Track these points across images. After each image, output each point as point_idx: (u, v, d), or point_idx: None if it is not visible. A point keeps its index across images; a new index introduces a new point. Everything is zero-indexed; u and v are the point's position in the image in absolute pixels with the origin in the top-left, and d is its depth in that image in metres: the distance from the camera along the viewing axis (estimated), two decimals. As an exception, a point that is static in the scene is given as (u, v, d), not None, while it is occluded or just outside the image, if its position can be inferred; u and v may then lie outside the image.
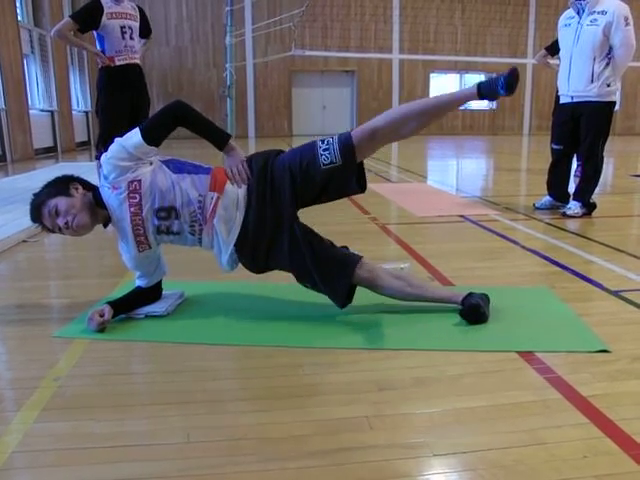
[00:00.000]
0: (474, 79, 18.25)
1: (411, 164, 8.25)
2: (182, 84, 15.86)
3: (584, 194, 4.02)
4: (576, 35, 3.83)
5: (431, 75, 17.43)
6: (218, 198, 1.98)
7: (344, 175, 1.99)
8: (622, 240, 3.31)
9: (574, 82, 3.87)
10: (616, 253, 2.98)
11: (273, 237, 2.01)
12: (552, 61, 5.92)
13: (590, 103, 3.84)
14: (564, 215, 3.98)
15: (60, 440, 1.32)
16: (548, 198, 4.27)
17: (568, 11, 4.03)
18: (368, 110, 17.09)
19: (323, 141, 2.00)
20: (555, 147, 4.17)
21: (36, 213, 1.98)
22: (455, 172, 7.73)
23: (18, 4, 9.50)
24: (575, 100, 3.91)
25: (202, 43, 15.88)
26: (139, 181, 1.94)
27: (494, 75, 2.03)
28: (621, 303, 2.21)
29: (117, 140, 1.97)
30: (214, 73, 15.63)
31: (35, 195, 2.01)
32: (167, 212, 1.98)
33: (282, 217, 2.00)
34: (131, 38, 4.14)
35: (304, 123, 16.89)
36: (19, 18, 9.44)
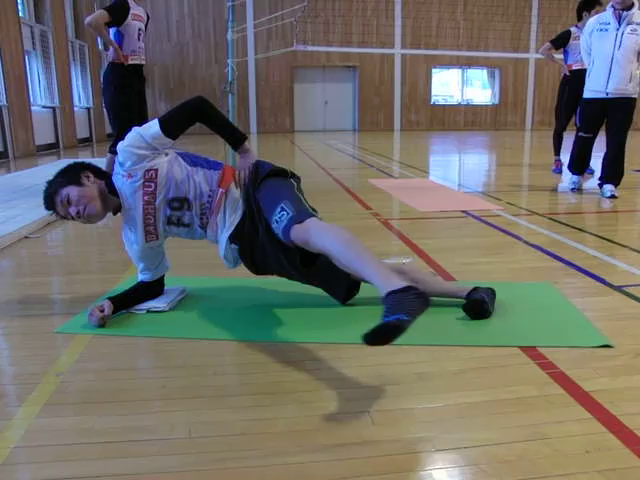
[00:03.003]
0: (476, 74, 18.22)
1: (413, 159, 8.23)
2: (184, 80, 15.86)
3: (619, 176, 4.55)
4: (617, 41, 4.29)
5: (433, 70, 17.39)
6: (224, 194, 2.02)
7: (291, 254, 1.92)
8: (625, 235, 3.30)
9: (615, 81, 4.32)
10: (619, 248, 2.97)
11: (266, 246, 2.00)
12: (557, 55, 5.91)
13: (627, 99, 4.39)
14: (613, 197, 4.44)
15: (62, 435, 1.32)
16: (578, 177, 4.88)
17: (601, 16, 4.45)
18: (370, 105, 17.09)
19: (283, 209, 1.82)
20: (585, 135, 4.71)
21: (49, 202, 2.01)
22: (457, 167, 7.71)
23: (19, 0, 9.48)
24: (610, 96, 4.38)
25: (204, 39, 15.86)
26: (155, 170, 1.97)
27: (397, 319, 1.44)
28: (624, 298, 2.21)
29: (135, 129, 2.00)
30: (216, 69, 15.62)
31: (48, 184, 2.03)
32: (180, 203, 2.01)
33: (273, 239, 1.94)
34: (142, 40, 4.39)
35: (306, 119, 16.88)
36: (20, 14, 9.43)
